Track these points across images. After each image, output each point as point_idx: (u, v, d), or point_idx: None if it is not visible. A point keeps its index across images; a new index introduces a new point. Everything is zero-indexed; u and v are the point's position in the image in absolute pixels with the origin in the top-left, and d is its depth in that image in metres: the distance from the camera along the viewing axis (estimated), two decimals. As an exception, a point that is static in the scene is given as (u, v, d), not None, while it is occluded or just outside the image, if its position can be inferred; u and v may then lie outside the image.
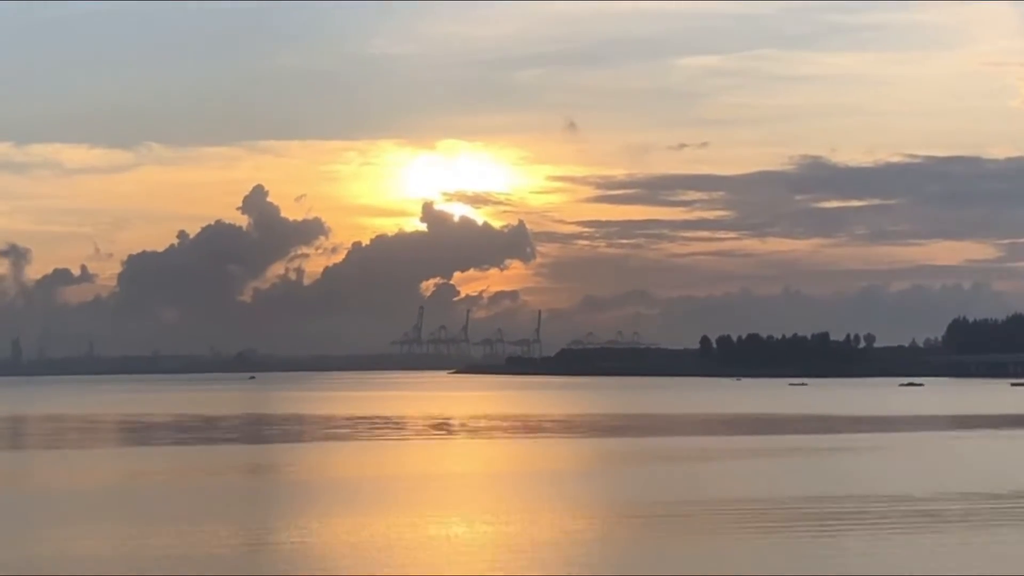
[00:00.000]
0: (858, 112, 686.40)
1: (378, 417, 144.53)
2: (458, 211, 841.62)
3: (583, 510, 52.97)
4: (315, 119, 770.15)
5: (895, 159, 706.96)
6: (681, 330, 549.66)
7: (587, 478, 69.69)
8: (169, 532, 46.23)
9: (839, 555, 41.24)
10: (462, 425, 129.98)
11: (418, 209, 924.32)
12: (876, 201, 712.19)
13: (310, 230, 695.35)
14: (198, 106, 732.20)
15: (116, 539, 45.14)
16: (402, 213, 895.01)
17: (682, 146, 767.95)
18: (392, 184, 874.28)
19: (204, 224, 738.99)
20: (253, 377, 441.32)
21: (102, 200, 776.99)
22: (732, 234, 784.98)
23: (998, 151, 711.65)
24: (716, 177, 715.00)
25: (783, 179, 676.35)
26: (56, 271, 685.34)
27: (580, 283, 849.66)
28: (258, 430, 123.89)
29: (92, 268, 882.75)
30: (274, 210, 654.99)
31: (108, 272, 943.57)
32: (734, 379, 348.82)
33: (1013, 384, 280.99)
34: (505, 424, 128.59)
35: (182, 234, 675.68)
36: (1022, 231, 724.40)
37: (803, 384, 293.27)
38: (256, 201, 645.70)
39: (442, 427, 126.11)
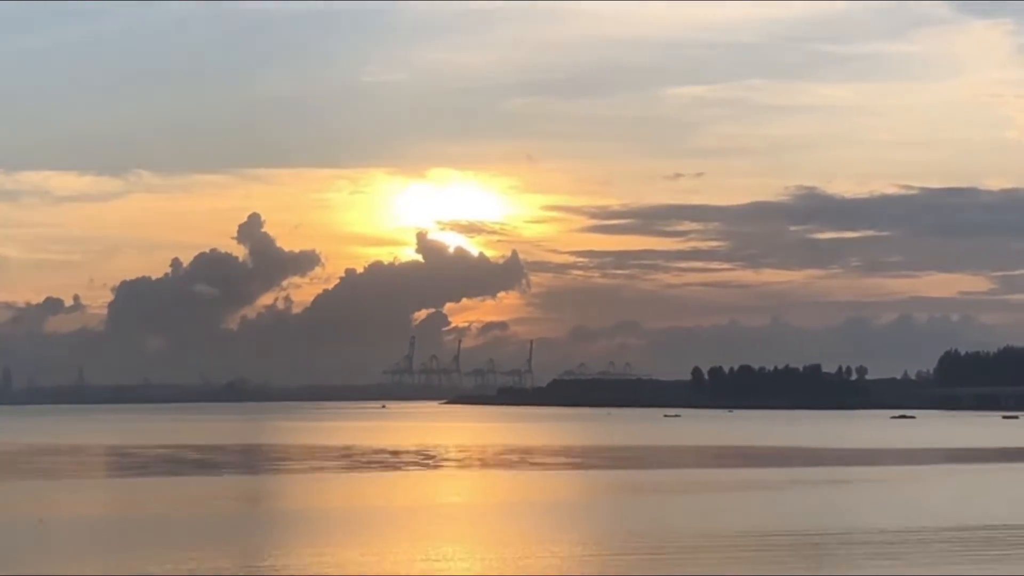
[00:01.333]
0: (852, 143, 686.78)
1: (370, 448, 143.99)
2: (450, 240, 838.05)
3: (578, 542, 52.60)
4: (305, 147, 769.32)
5: (890, 190, 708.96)
6: (673, 361, 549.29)
7: (582, 510, 69.30)
8: (162, 561, 45.84)
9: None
10: (455, 456, 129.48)
11: (410, 238, 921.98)
12: (870, 232, 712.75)
13: (302, 259, 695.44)
14: (188, 133, 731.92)
15: (109, 568, 44.77)
16: (394, 242, 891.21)
17: (677, 176, 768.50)
18: (383, 213, 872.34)
19: (195, 252, 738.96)
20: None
21: (92, 228, 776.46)
22: (726, 265, 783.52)
23: (993, 182, 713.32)
24: (711, 207, 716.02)
25: (778, 210, 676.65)
26: (46, 299, 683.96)
27: (572, 313, 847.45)
28: (249, 460, 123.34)
29: (83, 296, 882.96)
30: (266, 239, 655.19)
31: (99, 300, 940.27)
32: (726, 411, 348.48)
33: (1005, 417, 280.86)
34: (498, 455, 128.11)
35: (174, 262, 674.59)
36: (1015, 263, 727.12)
37: (677, 416, 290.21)
38: (249, 229, 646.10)
39: (434, 458, 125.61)
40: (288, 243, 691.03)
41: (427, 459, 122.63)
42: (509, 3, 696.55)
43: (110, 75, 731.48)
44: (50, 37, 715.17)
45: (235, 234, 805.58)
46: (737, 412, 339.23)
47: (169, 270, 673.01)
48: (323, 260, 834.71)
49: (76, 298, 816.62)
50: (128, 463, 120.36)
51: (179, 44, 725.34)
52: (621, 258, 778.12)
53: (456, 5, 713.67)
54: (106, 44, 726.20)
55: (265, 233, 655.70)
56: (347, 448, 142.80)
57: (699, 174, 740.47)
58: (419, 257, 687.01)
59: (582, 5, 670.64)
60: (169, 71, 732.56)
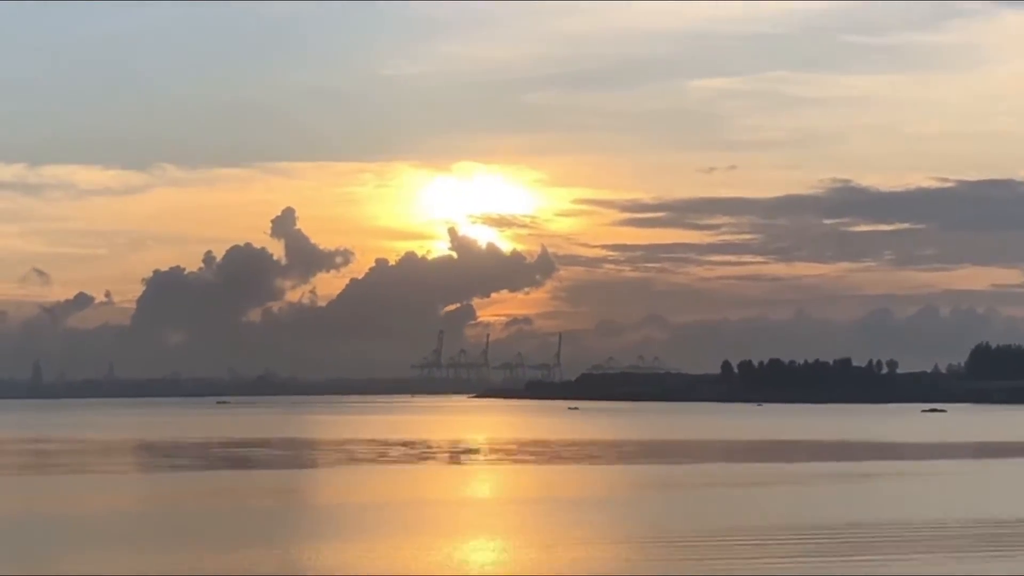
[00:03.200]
0: (884, 135, 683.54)
1: (401, 442, 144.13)
2: (479, 234, 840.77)
3: (610, 538, 52.46)
4: (328, 141, 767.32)
5: (924, 183, 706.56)
6: (702, 355, 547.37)
7: (616, 505, 69.14)
8: (196, 556, 45.90)
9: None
10: (486, 450, 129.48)
11: (438, 232, 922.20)
12: (905, 225, 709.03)
13: (330, 253, 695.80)
14: (211, 128, 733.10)
15: (138, 563, 44.88)
16: (422, 236, 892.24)
17: (710, 169, 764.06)
18: (410, 207, 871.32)
19: (221, 246, 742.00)
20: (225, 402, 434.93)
21: (117, 222, 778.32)
22: (758, 258, 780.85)
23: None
24: (743, 200, 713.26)
25: (810, 203, 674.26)
26: (76, 293, 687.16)
27: (601, 307, 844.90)
28: (280, 454, 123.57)
29: (111, 290, 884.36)
30: (295, 232, 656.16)
31: (127, 295, 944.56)
32: (755, 405, 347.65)
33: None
34: (528, 449, 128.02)
35: (203, 256, 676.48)
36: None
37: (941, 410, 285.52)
38: (279, 224, 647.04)
39: (466, 452, 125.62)
40: (316, 237, 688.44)
41: (457, 453, 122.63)
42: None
43: (133, 69, 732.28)
44: (74, 32, 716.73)
45: (262, 228, 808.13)
46: (766, 406, 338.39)
47: (199, 264, 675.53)
48: (351, 254, 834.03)
49: (105, 292, 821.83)
50: (156, 460, 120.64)
51: (203, 39, 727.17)
52: (652, 252, 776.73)
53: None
54: (130, 38, 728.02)
55: (293, 227, 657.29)
56: (376, 442, 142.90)
57: (732, 167, 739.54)
58: (447, 251, 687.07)
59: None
60: (192, 66, 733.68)
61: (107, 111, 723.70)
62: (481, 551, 49.37)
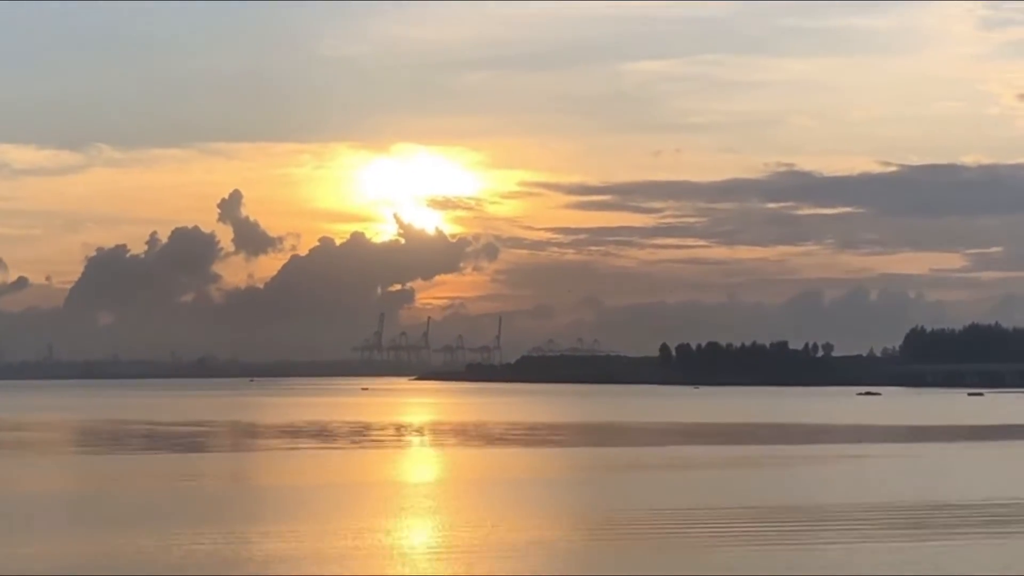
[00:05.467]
0: (827, 118, 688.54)
1: (340, 423, 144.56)
2: (421, 217, 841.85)
3: (549, 519, 53.32)
4: (266, 121, 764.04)
5: (868, 167, 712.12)
6: (641, 338, 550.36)
7: (553, 487, 70.02)
8: (141, 538, 46.39)
9: (813, 561, 41.77)
10: (428, 432, 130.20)
11: (378, 214, 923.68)
12: (847, 209, 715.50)
13: (270, 235, 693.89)
14: (148, 107, 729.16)
15: (78, 544, 45.35)
16: (362, 218, 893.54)
17: (653, 152, 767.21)
18: (350, 188, 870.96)
19: (160, 227, 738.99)
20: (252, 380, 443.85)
21: (53, 202, 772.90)
22: (701, 241, 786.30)
23: (970, 159, 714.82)
24: (686, 184, 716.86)
25: (754, 187, 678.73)
26: (11, 273, 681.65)
27: (541, 290, 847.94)
28: (218, 438, 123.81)
29: (48, 271, 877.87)
30: (242, 215, 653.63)
31: (65, 276, 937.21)
32: (692, 387, 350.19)
33: (970, 394, 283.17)
34: (466, 432, 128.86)
35: (141, 238, 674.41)
36: (990, 241, 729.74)
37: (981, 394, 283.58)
38: (226, 206, 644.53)
39: (405, 434, 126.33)
40: (255, 218, 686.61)
41: (400, 435, 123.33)
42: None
43: (68, 47, 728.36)
44: (7, 9, 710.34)
45: (206, 209, 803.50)
46: (703, 388, 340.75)
47: (141, 246, 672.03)
48: (291, 236, 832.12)
49: (42, 274, 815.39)
50: (94, 442, 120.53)
51: (138, 17, 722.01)
52: (596, 235, 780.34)
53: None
54: (64, 16, 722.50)
55: (240, 209, 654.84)
56: (320, 424, 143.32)
57: (677, 150, 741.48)
58: (389, 233, 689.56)
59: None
60: (127, 43, 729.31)
61: (40, 89, 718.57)
62: (424, 531, 50.14)
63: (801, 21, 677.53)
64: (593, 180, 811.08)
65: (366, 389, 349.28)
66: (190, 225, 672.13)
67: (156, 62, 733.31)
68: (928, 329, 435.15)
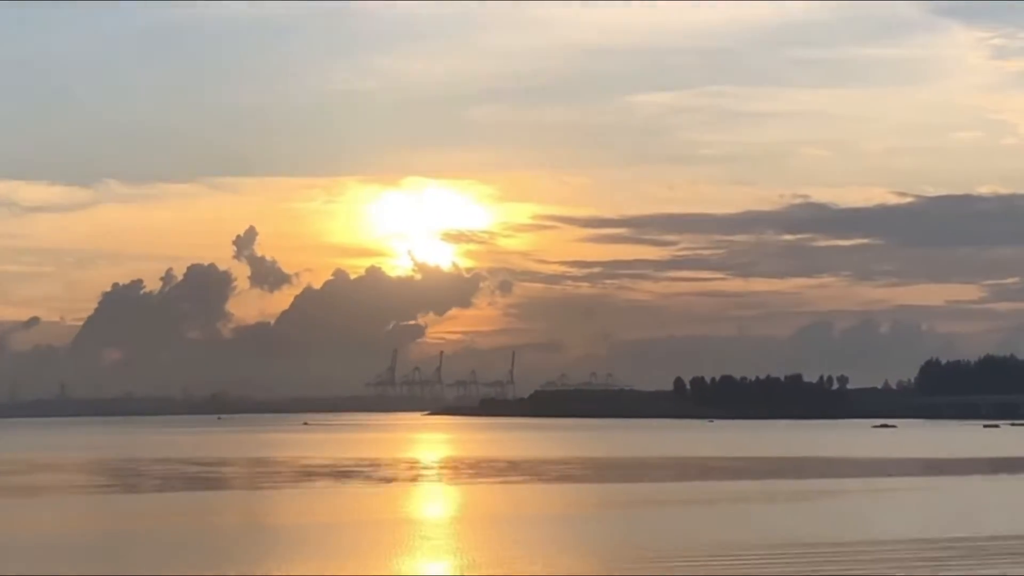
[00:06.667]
0: (841, 149, 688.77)
1: (355, 460, 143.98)
2: (431, 250, 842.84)
3: (571, 555, 52.83)
4: (275, 156, 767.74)
5: (883, 199, 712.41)
6: (655, 371, 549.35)
7: (577, 523, 69.51)
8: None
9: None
10: (443, 468, 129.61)
11: (389, 248, 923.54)
12: (864, 241, 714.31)
13: (282, 270, 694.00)
14: (156, 142, 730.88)
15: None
16: (374, 253, 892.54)
17: (667, 185, 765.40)
18: (361, 223, 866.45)
19: (172, 264, 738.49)
20: (220, 418, 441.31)
21: (64, 239, 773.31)
22: (717, 274, 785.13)
23: (986, 189, 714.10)
24: (700, 216, 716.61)
25: (770, 219, 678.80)
26: (23, 311, 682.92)
27: (554, 324, 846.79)
28: (229, 474, 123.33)
29: (61, 309, 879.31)
30: (256, 251, 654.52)
31: (77, 313, 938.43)
32: (706, 421, 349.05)
33: (985, 426, 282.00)
34: (483, 467, 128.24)
35: (154, 274, 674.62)
36: (1006, 271, 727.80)
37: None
38: (241, 243, 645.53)
39: (420, 470, 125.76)
40: (266, 253, 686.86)
41: (414, 471, 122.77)
42: (474, 7, 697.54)
43: (76, 84, 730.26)
44: (15, 46, 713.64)
45: (220, 245, 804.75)
46: (717, 422, 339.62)
47: (147, 281, 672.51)
48: (306, 271, 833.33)
49: (54, 311, 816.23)
50: (108, 481, 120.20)
51: (146, 52, 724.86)
52: (610, 268, 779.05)
53: (419, 8, 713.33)
54: (71, 53, 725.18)
55: (255, 245, 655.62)
56: (333, 461, 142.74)
57: (692, 182, 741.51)
58: (402, 267, 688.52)
59: (550, 10, 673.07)
60: (135, 79, 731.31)
61: (49, 127, 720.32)
62: (441, 569, 49.68)
63: (814, 52, 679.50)
64: (607, 213, 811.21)
65: (307, 424, 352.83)
66: (205, 262, 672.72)
67: (163, 97, 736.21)
68: (943, 361, 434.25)
